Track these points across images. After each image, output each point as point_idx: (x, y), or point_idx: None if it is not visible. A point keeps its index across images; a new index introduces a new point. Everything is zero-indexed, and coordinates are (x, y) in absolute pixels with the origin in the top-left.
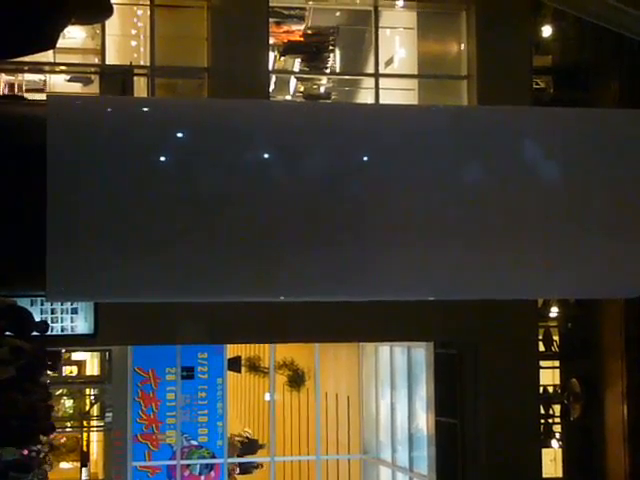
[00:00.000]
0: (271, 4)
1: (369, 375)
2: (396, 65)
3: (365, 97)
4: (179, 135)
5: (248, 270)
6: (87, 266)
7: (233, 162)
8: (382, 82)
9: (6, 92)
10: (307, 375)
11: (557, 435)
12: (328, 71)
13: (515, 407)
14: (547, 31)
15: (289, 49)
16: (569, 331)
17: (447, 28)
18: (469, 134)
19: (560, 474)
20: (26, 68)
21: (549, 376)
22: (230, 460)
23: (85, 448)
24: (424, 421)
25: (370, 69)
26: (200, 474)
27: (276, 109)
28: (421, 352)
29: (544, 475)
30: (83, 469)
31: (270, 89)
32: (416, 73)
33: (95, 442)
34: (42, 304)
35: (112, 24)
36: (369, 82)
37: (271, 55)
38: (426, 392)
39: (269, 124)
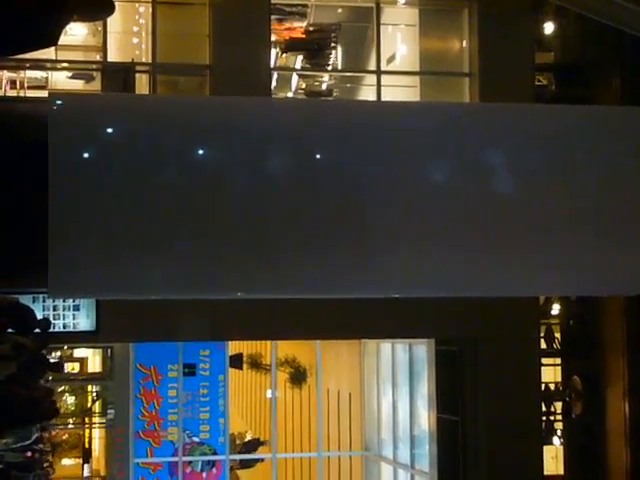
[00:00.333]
0: (273, 1)
1: (370, 372)
2: (398, 62)
3: (367, 94)
4: (180, 132)
5: (249, 267)
6: (89, 263)
7: (234, 159)
8: (384, 79)
9: (8, 89)
10: (309, 372)
11: (558, 432)
12: (330, 68)
13: (517, 404)
14: (549, 28)
15: (291, 46)
16: (571, 328)
17: (449, 25)
18: (471, 131)
19: (561, 471)
20: (28, 65)
21: (550, 373)
22: (232, 457)
23: (87, 445)
24: (425, 418)
25: (372, 66)
26: (202, 471)
27: (277, 106)
28: (422, 349)
29: (545, 472)
30: (85, 465)
31: (272, 86)
32: (418, 70)
33: (97, 439)
34: (44, 301)
35: (114, 21)
36: (371, 79)
37: (273, 52)
38: (427, 389)
39: (270, 121)
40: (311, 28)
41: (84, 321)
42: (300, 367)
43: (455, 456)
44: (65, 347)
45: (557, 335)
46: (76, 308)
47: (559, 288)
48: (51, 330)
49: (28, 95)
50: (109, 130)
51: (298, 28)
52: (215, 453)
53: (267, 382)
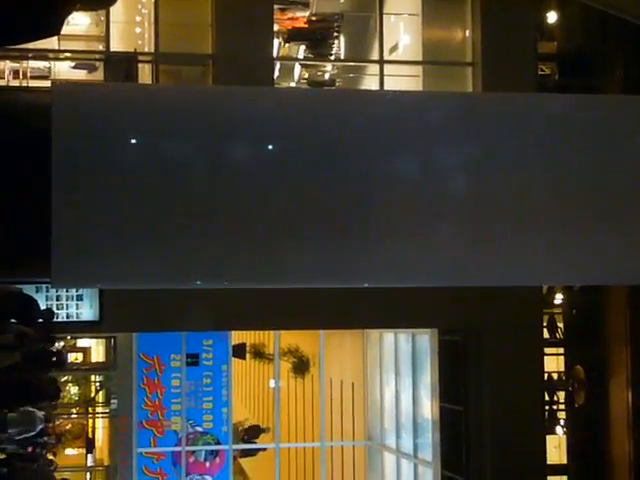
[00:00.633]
0: None
1: (374, 362)
2: (401, 52)
3: (369, 84)
4: (183, 122)
5: (252, 256)
6: (91, 253)
7: (236, 150)
8: (387, 69)
9: (11, 79)
10: (312, 362)
11: (561, 422)
12: (333, 58)
13: (519, 394)
14: (552, 17)
15: (294, 36)
16: (574, 318)
17: (452, 14)
18: (474, 120)
19: (564, 461)
20: (31, 55)
21: (553, 363)
22: (235, 446)
23: (90, 434)
24: (428, 408)
25: (375, 56)
26: (205, 460)
27: (277, 96)
28: (425, 339)
29: (548, 462)
30: (89, 455)
31: (274, 76)
32: (421, 60)
33: (100, 428)
34: (47, 291)
35: (116, 11)
36: (374, 69)
37: (275, 42)
38: (430, 379)
39: (271, 110)
40: (314, 18)
41: (87, 311)
42: (303, 357)
43: (458, 445)
44: (68, 337)
45: (560, 325)
46: (79, 298)
47: (562, 277)
48: (54, 320)
49: (31, 85)
50: (112, 120)
51: (301, 18)
52: (218, 443)
53: (270, 372)
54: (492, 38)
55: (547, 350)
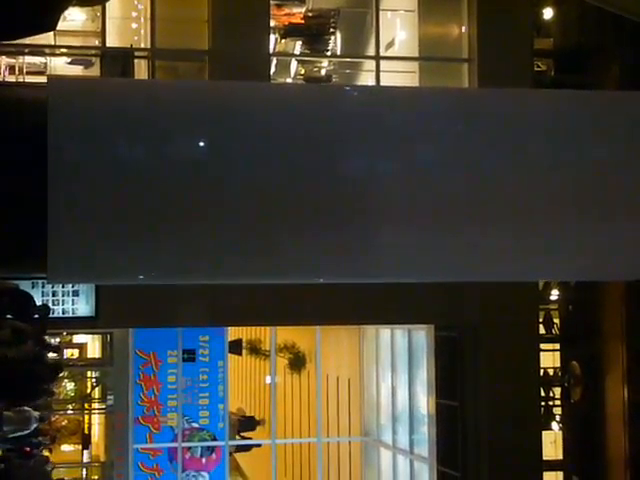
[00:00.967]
0: None
1: (370, 358)
2: (397, 48)
3: (366, 80)
4: (179, 117)
5: (249, 252)
6: (88, 248)
7: (233, 144)
8: (383, 65)
9: (7, 75)
10: (308, 358)
11: (557, 418)
12: (329, 54)
13: (515, 390)
14: (548, 13)
15: (290, 32)
16: (569, 314)
17: (448, 10)
18: (470, 116)
19: (560, 456)
20: (27, 51)
21: (549, 359)
22: (231, 442)
23: (86, 431)
24: (425, 403)
25: (371, 52)
26: (201, 456)
27: (275, 91)
28: (422, 335)
29: (544, 457)
30: (85, 451)
31: (271, 72)
32: (417, 56)
33: (96, 425)
34: (43, 287)
35: (112, 6)
36: (370, 65)
37: (272, 38)
38: (427, 375)
39: (270, 106)
40: (310, 14)
41: (83, 307)
42: (299, 353)
43: (454, 441)
44: (64, 333)
45: (556, 321)
46: (75, 294)
47: (558, 273)
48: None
49: (27, 81)
50: (108, 114)
51: (297, 13)
52: (214, 439)
53: (266, 368)
54: (488, 34)
55: (543, 346)
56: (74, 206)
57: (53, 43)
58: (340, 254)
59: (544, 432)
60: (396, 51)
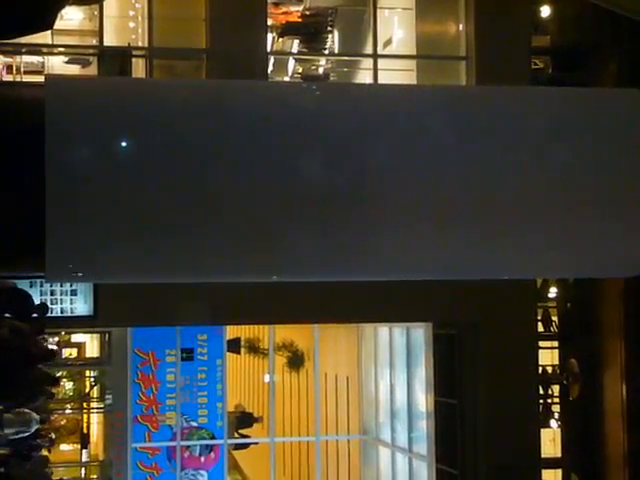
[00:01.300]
0: None
1: (368, 356)
2: (394, 46)
3: (363, 78)
4: (177, 116)
5: (248, 251)
6: (86, 247)
7: (231, 143)
8: (380, 63)
9: (4, 74)
10: (306, 356)
11: (556, 415)
12: (327, 52)
13: (514, 387)
14: (545, 11)
15: (287, 30)
16: (568, 311)
17: (445, 9)
18: (468, 116)
19: (559, 454)
20: (24, 50)
21: (548, 356)
22: (230, 441)
23: (85, 430)
24: (423, 401)
25: (368, 50)
26: (200, 455)
27: (272, 90)
28: (420, 333)
29: (543, 455)
30: (83, 451)
31: (269, 70)
32: (414, 54)
33: (95, 424)
34: (41, 285)
35: (110, 5)
36: (367, 63)
37: (269, 36)
38: (425, 373)
39: (267, 103)
40: (308, 12)
41: (82, 306)
42: (298, 351)
43: (453, 439)
44: (63, 332)
45: (554, 318)
46: (74, 293)
47: (557, 270)
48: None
49: (25, 80)
50: (106, 113)
51: (295, 12)
52: (213, 437)
53: (265, 366)
54: (486, 32)
55: (541, 344)
56: (72, 205)
57: (50, 42)
58: (338, 252)
59: (543, 430)
60: (394, 49)
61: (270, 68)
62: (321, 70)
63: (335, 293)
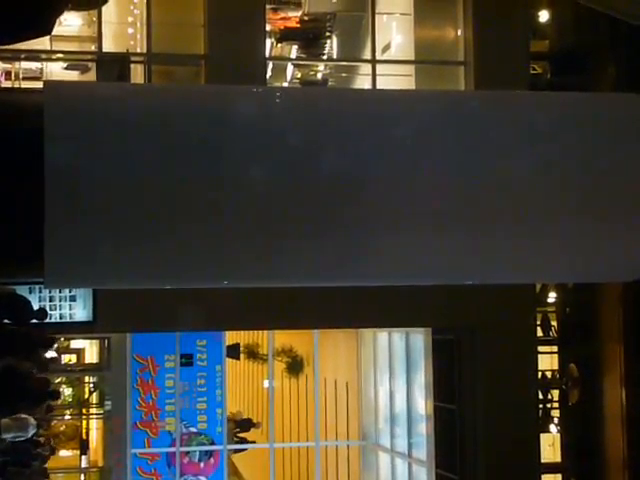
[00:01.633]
0: None
1: (368, 361)
2: (393, 51)
3: (362, 83)
4: (176, 121)
5: (248, 256)
6: (85, 253)
7: (231, 147)
8: (379, 68)
9: (3, 80)
10: (306, 362)
11: (555, 420)
12: (325, 57)
13: (513, 392)
14: (544, 16)
15: (286, 36)
16: (567, 316)
17: (444, 14)
18: (466, 120)
19: (559, 459)
20: (23, 56)
21: (547, 361)
22: (230, 447)
23: (84, 436)
24: (423, 407)
25: (367, 55)
26: (199, 461)
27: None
28: (419, 338)
29: (543, 460)
30: (83, 457)
31: (267, 76)
32: (413, 59)
33: (94, 430)
34: (40, 292)
35: (108, 11)
36: (366, 68)
37: (268, 42)
38: (424, 378)
39: (267, 110)
40: (306, 17)
41: (81, 311)
42: (297, 357)
43: (452, 444)
44: (62, 338)
45: (554, 323)
46: (73, 298)
47: (556, 275)
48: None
49: (23, 86)
50: (104, 119)
51: (293, 17)
52: (213, 443)
53: (264, 372)
54: (484, 37)
55: (541, 348)
56: (71, 211)
57: (49, 48)
58: (336, 257)
59: (542, 435)
60: (392, 54)
61: (269, 74)
62: (320, 75)
63: (334, 299)
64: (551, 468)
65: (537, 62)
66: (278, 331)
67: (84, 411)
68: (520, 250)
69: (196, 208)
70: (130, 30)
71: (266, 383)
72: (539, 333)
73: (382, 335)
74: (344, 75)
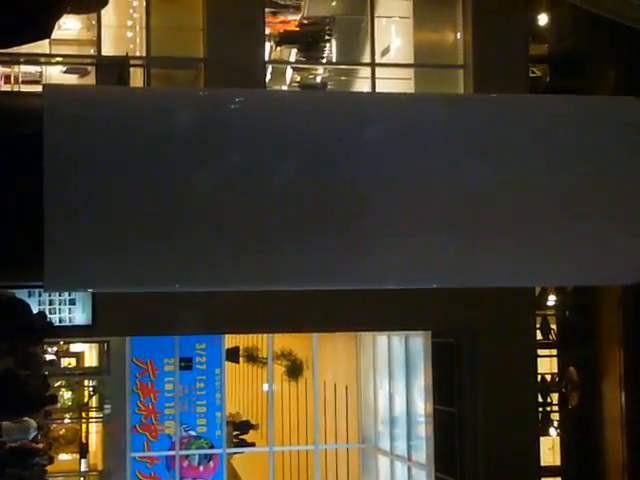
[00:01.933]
0: None
1: (367, 364)
2: (392, 54)
3: (361, 86)
4: (175, 124)
5: (247, 259)
6: (84, 257)
7: (229, 151)
8: (378, 71)
9: (2, 84)
10: (305, 365)
11: (555, 423)
12: (324, 61)
13: (513, 395)
14: (543, 20)
15: (285, 39)
16: (566, 319)
17: (443, 17)
18: (466, 123)
19: (558, 462)
20: (22, 60)
21: (547, 364)
22: (229, 450)
23: (84, 439)
24: (422, 410)
25: (366, 58)
26: (199, 464)
27: (271, 97)
28: (419, 341)
29: (542, 463)
30: (82, 460)
31: (266, 79)
32: (412, 62)
33: (94, 433)
34: (40, 295)
35: (108, 15)
36: (365, 72)
37: (267, 45)
38: (424, 381)
39: (264, 113)
40: (305, 21)
41: (80, 315)
42: (296, 360)
43: (452, 447)
44: (61, 342)
45: (553, 326)
46: (72, 302)
47: (556, 278)
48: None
49: (23, 90)
50: (104, 122)
51: (292, 21)
52: (212, 447)
53: (264, 375)
54: (483, 40)
55: (540, 352)
56: (71, 214)
57: (48, 52)
58: (336, 261)
59: (542, 438)
60: (391, 58)
61: (268, 77)
62: (319, 79)
63: (334, 302)
64: (551, 471)
65: (536, 65)
66: (277, 334)
67: (84, 415)
68: (520, 253)
69: (197, 211)
70: (129, 33)
71: (266, 386)
72: (539, 336)
73: (381, 338)
74: (343, 78)
